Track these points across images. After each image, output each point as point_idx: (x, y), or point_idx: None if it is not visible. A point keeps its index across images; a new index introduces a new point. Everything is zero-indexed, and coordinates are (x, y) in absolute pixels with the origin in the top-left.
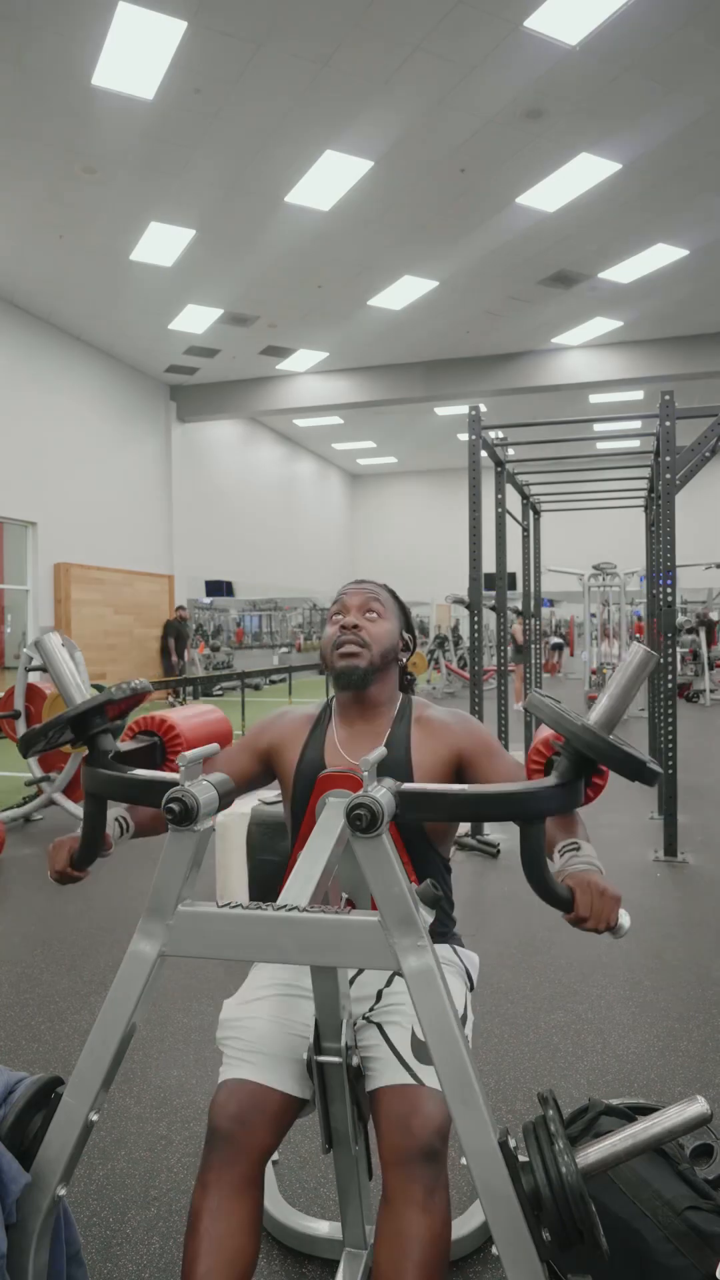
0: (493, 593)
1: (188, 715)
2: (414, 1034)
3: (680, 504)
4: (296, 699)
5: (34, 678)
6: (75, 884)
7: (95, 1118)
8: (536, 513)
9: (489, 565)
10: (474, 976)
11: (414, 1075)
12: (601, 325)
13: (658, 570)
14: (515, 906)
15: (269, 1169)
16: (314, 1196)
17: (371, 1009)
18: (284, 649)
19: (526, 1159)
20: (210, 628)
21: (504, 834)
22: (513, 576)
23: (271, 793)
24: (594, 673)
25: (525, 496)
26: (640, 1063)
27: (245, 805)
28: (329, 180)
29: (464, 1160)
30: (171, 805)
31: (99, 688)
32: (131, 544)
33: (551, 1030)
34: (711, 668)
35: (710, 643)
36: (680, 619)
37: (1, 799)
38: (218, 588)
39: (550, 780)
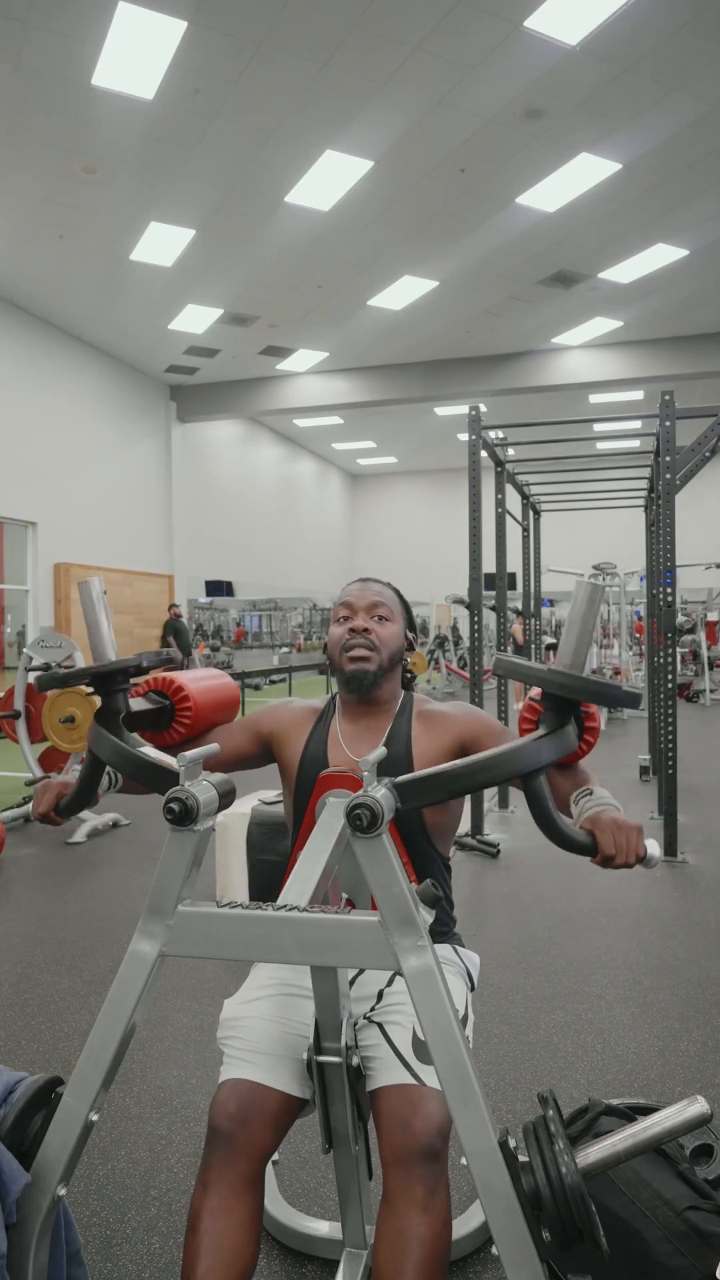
0: (493, 593)
1: (198, 678)
2: (415, 1034)
3: (680, 504)
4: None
5: (34, 678)
6: (75, 882)
7: (95, 1118)
8: (536, 513)
9: (489, 565)
10: (474, 976)
11: (415, 1075)
12: (601, 325)
13: (658, 570)
14: (515, 906)
15: (269, 1169)
16: (314, 1196)
17: (373, 1009)
18: (284, 649)
19: (526, 1159)
20: (210, 628)
21: (504, 834)
22: (513, 576)
23: (272, 792)
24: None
25: (525, 496)
26: (640, 1063)
27: (245, 805)
28: (329, 180)
29: (464, 1160)
30: (171, 805)
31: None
32: (131, 544)
33: (551, 1030)
34: (711, 668)
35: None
36: (680, 619)
37: (1, 799)
38: (218, 588)
39: (539, 732)
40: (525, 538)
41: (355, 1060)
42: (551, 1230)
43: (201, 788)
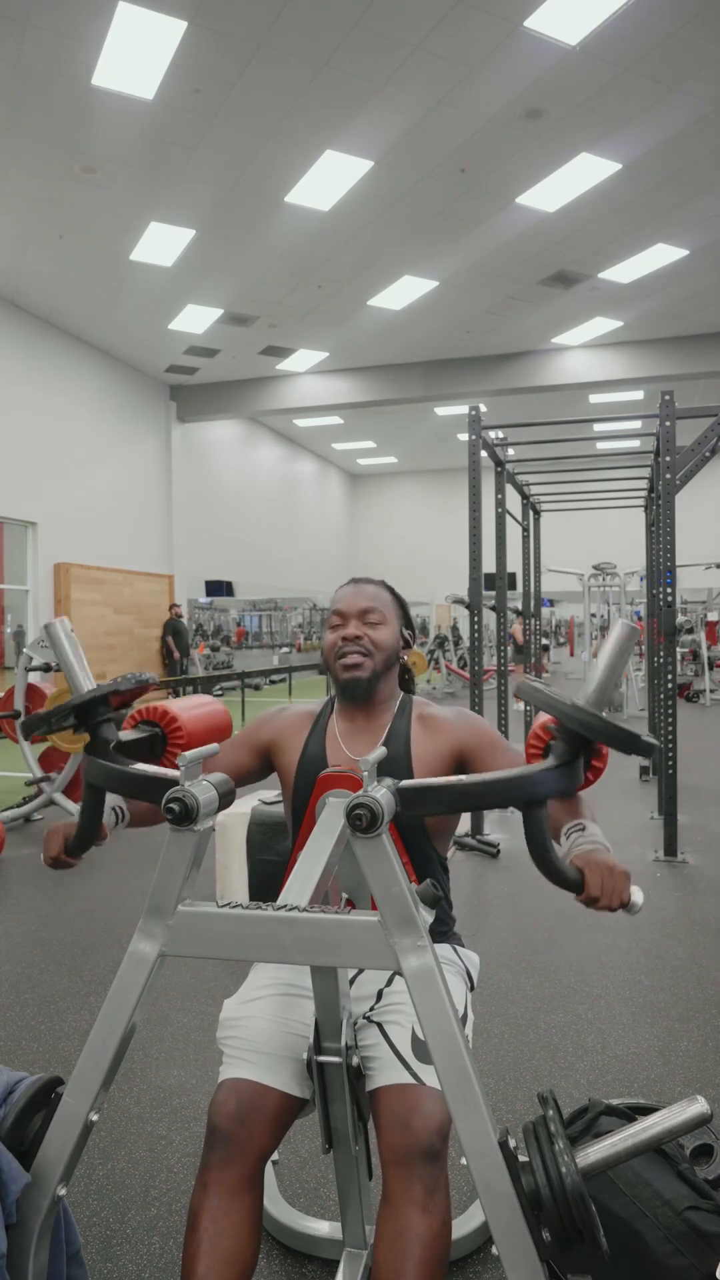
0: (493, 593)
1: (188, 707)
2: (414, 1033)
3: (680, 504)
4: (296, 699)
5: (34, 678)
6: (75, 883)
7: (95, 1118)
8: (536, 513)
9: (489, 565)
10: (474, 977)
11: (414, 1075)
12: (601, 325)
13: (658, 570)
14: (515, 906)
15: (269, 1169)
16: (314, 1196)
17: (372, 1008)
18: (285, 649)
19: (526, 1159)
20: (210, 627)
21: (504, 834)
22: (513, 576)
23: (272, 792)
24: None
25: (525, 496)
26: (640, 1063)
27: (245, 805)
28: (329, 180)
29: (464, 1160)
30: (171, 805)
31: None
32: (131, 544)
33: (551, 1030)
34: (711, 668)
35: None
36: (680, 619)
37: (1, 799)
38: (218, 588)
39: (548, 763)
40: (525, 538)
41: (355, 1060)
42: (551, 1230)
43: (201, 788)
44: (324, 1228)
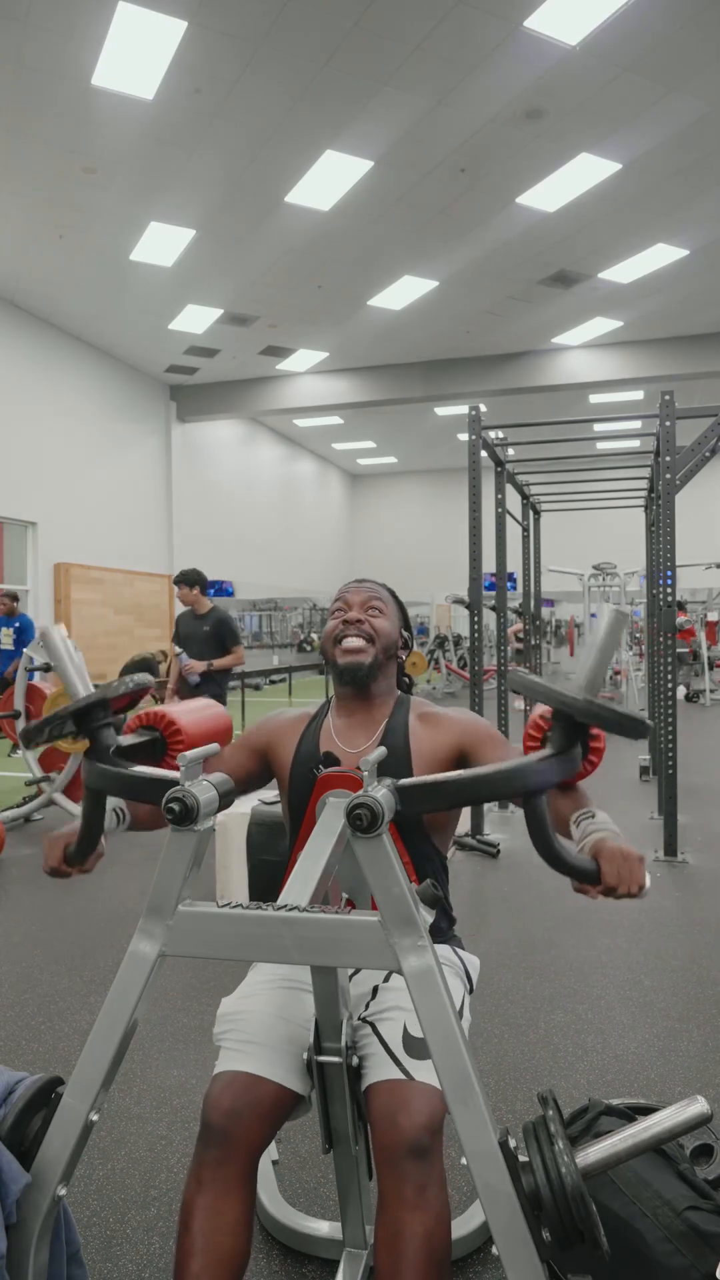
0: (493, 592)
1: (189, 710)
2: (405, 1028)
3: (680, 504)
4: (296, 699)
5: (34, 678)
6: (74, 882)
7: (95, 1118)
8: (536, 513)
9: (489, 565)
10: (474, 979)
11: (404, 1070)
12: (601, 325)
13: (658, 570)
14: (515, 906)
15: (269, 1169)
16: (314, 1196)
17: (367, 1006)
18: (285, 649)
19: (526, 1159)
20: None
21: (504, 834)
22: (513, 576)
23: (271, 792)
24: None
25: (525, 496)
26: (640, 1063)
27: (245, 805)
28: (329, 180)
29: (464, 1160)
30: (171, 805)
31: (98, 687)
32: (131, 544)
33: (551, 1030)
34: (711, 668)
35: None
36: (681, 619)
37: (1, 799)
38: (218, 588)
39: (545, 752)
40: (525, 538)
41: (354, 1060)
42: (551, 1230)
43: (201, 787)
44: (324, 1228)
